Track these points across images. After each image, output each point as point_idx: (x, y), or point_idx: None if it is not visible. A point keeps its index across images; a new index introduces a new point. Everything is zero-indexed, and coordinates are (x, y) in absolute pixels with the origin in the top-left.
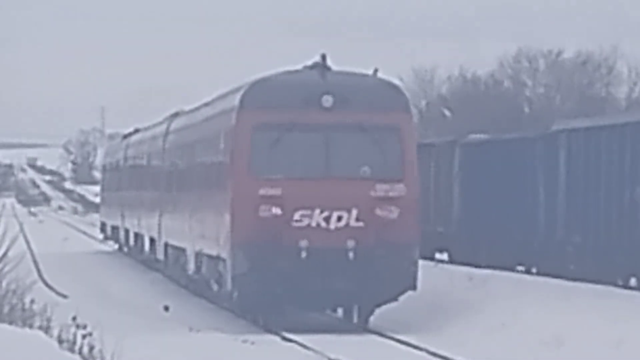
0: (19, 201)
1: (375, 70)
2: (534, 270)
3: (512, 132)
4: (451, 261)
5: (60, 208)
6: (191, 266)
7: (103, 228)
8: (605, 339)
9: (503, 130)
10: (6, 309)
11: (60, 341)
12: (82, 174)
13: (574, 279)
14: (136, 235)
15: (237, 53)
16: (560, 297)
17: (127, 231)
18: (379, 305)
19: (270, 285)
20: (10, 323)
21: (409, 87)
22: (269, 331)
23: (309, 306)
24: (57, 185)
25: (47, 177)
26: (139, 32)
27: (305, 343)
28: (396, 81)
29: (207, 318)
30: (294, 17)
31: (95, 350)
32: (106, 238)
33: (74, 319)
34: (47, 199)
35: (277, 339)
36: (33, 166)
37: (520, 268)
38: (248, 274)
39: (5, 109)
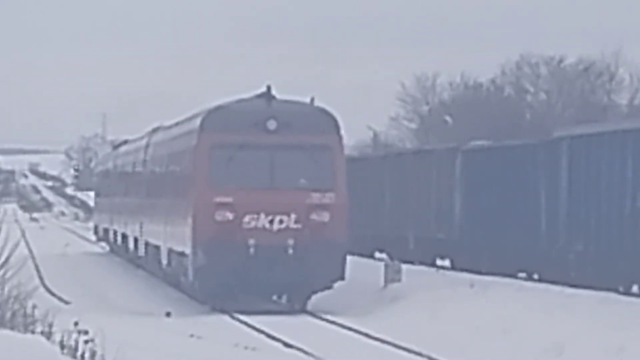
0: (21, 207)
1: (312, 99)
2: (535, 276)
3: (514, 139)
4: (453, 267)
5: (62, 214)
6: (164, 261)
7: (96, 230)
8: (607, 345)
9: (504, 136)
10: (8, 315)
11: (62, 347)
12: (83, 180)
13: (576, 286)
14: (123, 235)
15: (239, 59)
16: (562, 304)
17: (115, 232)
18: (314, 292)
19: (225, 276)
20: (12, 329)
21: (411, 93)
22: (224, 312)
23: (257, 293)
24: (58, 191)
25: (49, 183)
26: (141, 38)
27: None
28: (328, 108)
29: (207, 324)
30: (295, 22)
31: (97, 356)
32: (99, 239)
33: (76, 324)
34: (48, 205)
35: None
36: (35, 172)
37: (521, 275)
38: (206, 267)
39: (6, 114)
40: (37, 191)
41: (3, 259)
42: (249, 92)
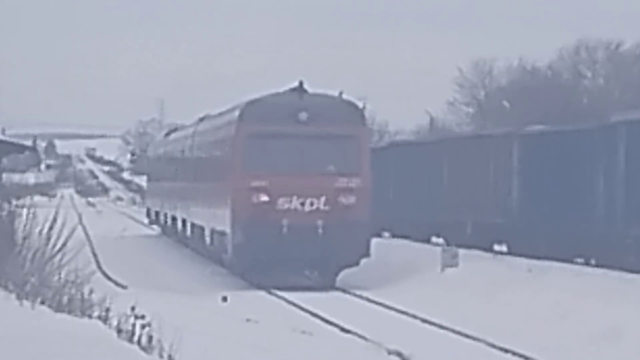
0: (78, 192)
1: (340, 93)
2: (592, 261)
3: (571, 124)
4: (510, 252)
5: (119, 198)
6: (208, 240)
7: (148, 213)
8: None
9: (562, 121)
10: (65, 299)
11: (119, 331)
12: (140, 165)
13: (633, 271)
14: (173, 218)
15: (293, 44)
16: (620, 289)
17: (165, 215)
18: (342, 268)
19: (260, 253)
20: (69, 313)
21: (468, 77)
22: (260, 288)
23: (290, 269)
24: (115, 176)
25: (106, 168)
26: (198, 22)
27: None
28: (357, 101)
29: (264, 309)
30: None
31: (154, 341)
32: (151, 222)
33: (133, 309)
34: (105, 190)
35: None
36: (91, 157)
37: (579, 260)
38: (244, 245)
39: (63, 100)
40: (94, 176)
41: (60, 244)
42: (305, 76)
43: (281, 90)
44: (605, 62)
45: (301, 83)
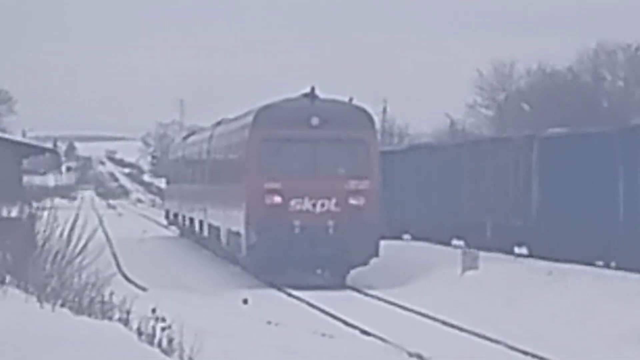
0: (98, 194)
1: (351, 98)
2: (613, 264)
3: (591, 126)
4: (530, 255)
5: (139, 201)
6: (224, 240)
7: (167, 215)
8: None
9: (582, 124)
10: (86, 302)
11: (139, 333)
12: (160, 167)
13: None
14: (190, 219)
15: (313, 46)
16: None
17: (184, 217)
18: (352, 268)
19: (273, 252)
20: (90, 315)
21: (488, 80)
22: (273, 286)
23: (302, 267)
24: (135, 178)
25: (126, 170)
26: (218, 23)
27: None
28: (366, 106)
29: (284, 311)
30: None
31: (175, 343)
32: (169, 224)
33: (153, 311)
34: (125, 192)
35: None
36: (112, 159)
37: (599, 262)
38: (257, 244)
39: (84, 102)
40: (115, 178)
41: (81, 246)
42: (323, 78)
43: (293, 95)
44: (625, 64)
45: (313, 89)
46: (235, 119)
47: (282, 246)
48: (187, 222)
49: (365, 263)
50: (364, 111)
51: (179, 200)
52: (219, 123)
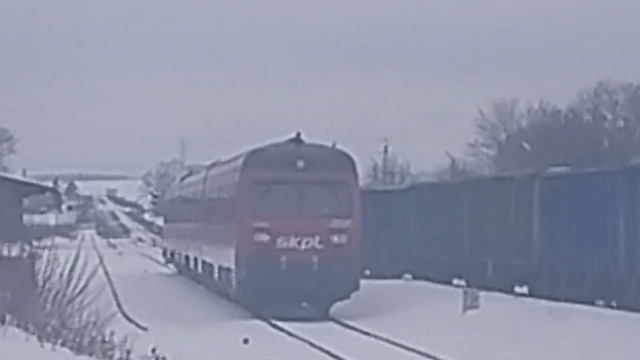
0: (99, 233)
1: (334, 143)
2: (613, 304)
3: (592, 166)
4: (531, 294)
5: (140, 240)
6: (216, 276)
7: (165, 253)
8: None
9: (583, 163)
10: (86, 341)
11: None
12: (161, 206)
13: None
14: (186, 257)
15: (315, 86)
16: None
17: (180, 254)
18: (335, 301)
19: (261, 287)
20: (91, 355)
21: (489, 119)
22: (261, 318)
23: (288, 301)
24: (136, 217)
25: (127, 209)
26: (219, 63)
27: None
28: (348, 151)
29: (286, 351)
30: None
31: None
32: (167, 262)
33: (154, 351)
34: (126, 231)
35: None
36: (113, 198)
37: (599, 302)
38: (247, 279)
39: (85, 141)
40: (115, 217)
41: (81, 285)
42: (325, 118)
43: (281, 140)
44: (626, 103)
45: (298, 134)
46: (227, 161)
47: (269, 281)
48: (184, 260)
49: (347, 297)
50: (346, 155)
51: (175, 239)
52: (212, 165)
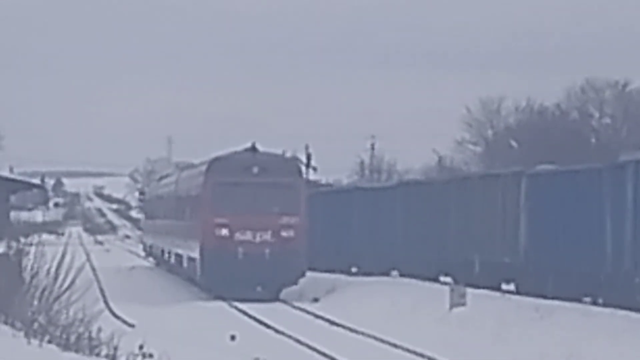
0: (86, 230)
1: (284, 151)
2: (600, 301)
3: (579, 163)
4: (518, 292)
5: (127, 237)
6: (185, 265)
7: (145, 247)
8: None
9: (570, 161)
10: (73, 338)
11: None
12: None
13: None
14: (162, 250)
15: (302, 83)
16: (628, 328)
17: (157, 247)
18: (285, 286)
19: (222, 274)
20: (77, 352)
21: (476, 117)
22: (222, 300)
23: (244, 285)
24: (123, 214)
25: (114, 206)
26: (207, 61)
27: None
28: (297, 156)
29: (273, 347)
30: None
31: None
32: (147, 255)
33: (141, 347)
34: (113, 228)
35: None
36: (100, 195)
37: (586, 299)
38: (209, 268)
39: (72, 138)
40: (102, 214)
41: (68, 282)
42: (312, 115)
43: (239, 149)
44: (613, 101)
45: (254, 144)
46: (195, 166)
47: (228, 268)
48: (159, 253)
49: (294, 283)
50: (294, 162)
51: (153, 234)
52: (183, 169)
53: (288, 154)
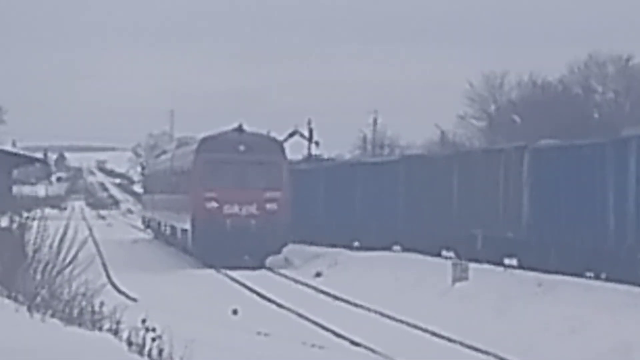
0: (88, 204)
1: (268, 131)
2: (603, 276)
3: (582, 138)
4: (520, 266)
5: (129, 211)
6: (178, 235)
7: (143, 220)
8: None
9: (572, 135)
10: (75, 312)
11: (129, 344)
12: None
13: None
14: (158, 222)
15: (304, 58)
16: (630, 303)
17: (154, 220)
18: (269, 254)
19: (211, 244)
20: (80, 326)
21: (479, 92)
22: (212, 267)
23: (232, 254)
24: (126, 189)
25: (116, 181)
26: (210, 35)
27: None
28: (277, 136)
29: (275, 321)
30: (362, 20)
31: (165, 353)
32: (145, 227)
33: (144, 321)
34: (116, 202)
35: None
36: (102, 169)
37: (589, 274)
38: (199, 238)
39: (74, 112)
40: (105, 188)
41: (71, 256)
42: (315, 90)
43: (227, 129)
44: (616, 76)
45: (240, 125)
46: (187, 144)
47: (217, 239)
48: (156, 225)
49: (278, 252)
50: (277, 141)
51: (151, 208)
52: (178, 146)
53: (272, 134)
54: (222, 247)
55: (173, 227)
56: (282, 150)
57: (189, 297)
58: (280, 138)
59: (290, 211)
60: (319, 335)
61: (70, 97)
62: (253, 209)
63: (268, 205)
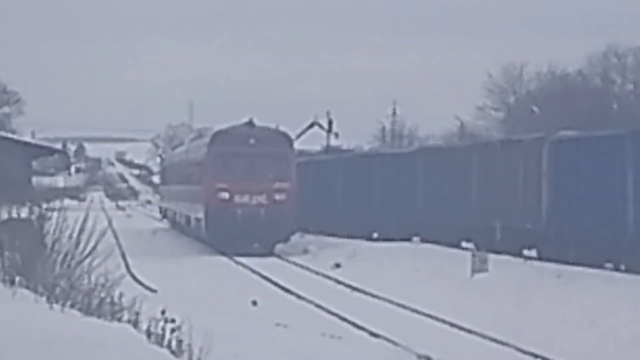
0: (107, 195)
1: (277, 125)
2: (622, 267)
3: (601, 129)
4: (540, 258)
5: (148, 202)
6: (192, 224)
7: (161, 210)
8: None
9: (592, 127)
10: (95, 303)
11: (148, 335)
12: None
13: None
14: (174, 212)
15: (324, 49)
16: None
17: (170, 210)
18: (278, 242)
19: (223, 232)
20: (99, 317)
21: (498, 83)
22: (224, 254)
23: (243, 242)
24: (144, 180)
25: (135, 171)
26: (229, 26)
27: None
28: (286, 131)
29: (294, 313)
30: (382, 11)
31: (184, 344)
32: (163, 217)
33: (163, 312)
34: (135, 193)
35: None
36: (121, 160)
37: (608, 265)
38: (212, 227)
39: (94, 103)
40: (124, 179)
41: (90, 247)
42: (334, 80)
43: (238, 123)
44: (635, 67)
45: (251, 120)
46: (201, 137)
47: (229, 227)
48: (171, 214)
49: (286, 240)
50: (285, 135)
51: (168, 198)
52: (193, 138)
53: (281, 128)
54: (234, 234)
55: (187, 217)
56: (291, 144)
57: (207, 287)
58: (299, 130)
59: (297, 201)
60: (338, 327)
61: (89, 88)
62: (262, 199)
63: (277, 196)
